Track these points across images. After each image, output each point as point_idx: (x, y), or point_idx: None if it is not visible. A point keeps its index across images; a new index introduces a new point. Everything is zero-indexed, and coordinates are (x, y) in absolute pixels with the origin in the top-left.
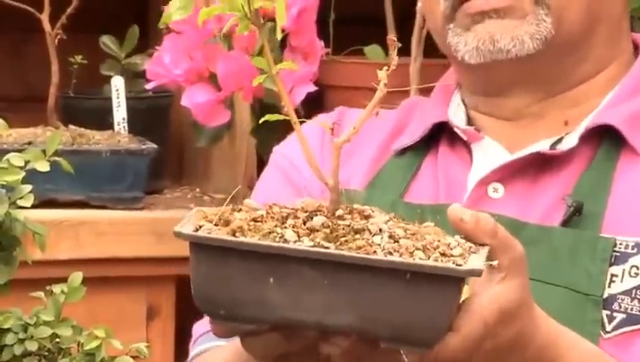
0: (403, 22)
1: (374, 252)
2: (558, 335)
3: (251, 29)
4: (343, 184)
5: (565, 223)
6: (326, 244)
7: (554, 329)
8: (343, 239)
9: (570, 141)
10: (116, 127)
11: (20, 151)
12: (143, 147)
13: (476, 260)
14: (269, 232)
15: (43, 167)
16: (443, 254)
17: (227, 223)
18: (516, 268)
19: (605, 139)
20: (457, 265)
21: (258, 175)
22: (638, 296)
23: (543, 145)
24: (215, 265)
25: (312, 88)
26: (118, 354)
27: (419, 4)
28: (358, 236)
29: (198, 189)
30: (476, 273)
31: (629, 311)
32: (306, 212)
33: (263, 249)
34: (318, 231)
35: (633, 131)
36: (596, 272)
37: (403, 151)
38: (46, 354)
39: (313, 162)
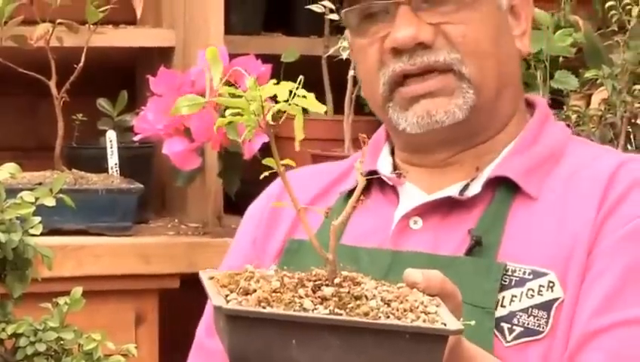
0: (338, 87)
1: (379, 317)
2: (476, 354)
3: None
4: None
5: (469, 252)
6: (339, 311)
7: (472, 351)
8: (350, 306)
9: (475, 189)
10: (110, 171)
11: (31, 190)
12: (132, 187)
13: (449, 317)
14: (290, 302)
15: (50, 202)
16: (424, 312)
17: (246, 292)
18: (457, 310)
19: (503, 186)
20: (443, 324)
21: (224, 209)
22: (533, 314)
23: (453, 190)
24: (248, 331)
25: (266, 139)
26: (111, 354)
27: (350, 73)
28: (359, 302)
29: (176, 220)
30: (460, 332)
31: (525, 325)
32: (310, 281)
33: (292, 318)
34: (329, 299)
35: (526, 180)
36: (490, 290)
37: (348, 194)
38: (52, 354)
39: (313, 239)
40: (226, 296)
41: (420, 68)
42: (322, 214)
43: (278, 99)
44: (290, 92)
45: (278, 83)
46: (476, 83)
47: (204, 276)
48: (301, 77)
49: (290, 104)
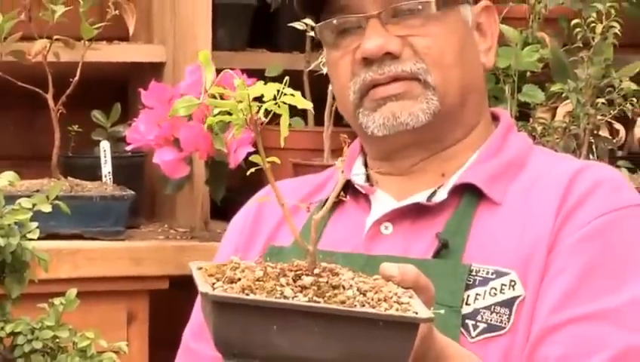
0: (318, 100)
1: (355, 305)
2: (447, 344)
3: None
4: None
5: (436, 255)
6: (317, 299)
7: (444, 341)
8: (328, 295)
9: (441, 195)
10: (104, 179)
11: (29, 196)
12: (124, 194)
13: (421, 306)
14: (272, 290)
15: (47, 208)
16: (397, 302)
17: (231, 280)
18: (429, 302)
19: (468, 192)
20: (415, 312)
21: (211, 215)
22: (495, 311)
23: (421, 197)
24: (232, 316)
25: (251, 149)
26: (104, 351)
27: (329, 88)
28: (336, 291)
29: (166, 225)
30: (431, 320)
31: (489, 321)
32: (291, 271)
33: (272, 305)
34: (308, 288)
35: (490, 186)
36: (456, 290)
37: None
38: (48, 351)
39: (296, 233)
40: (213, 284)
41: (388, 77)
42: (304, 208)
43: (264, 100)
44: (278, 91)
45: (262, 96)
46: (440, 91)
47: (193, 266)
48: (286, 78)
49: (277, 103)
